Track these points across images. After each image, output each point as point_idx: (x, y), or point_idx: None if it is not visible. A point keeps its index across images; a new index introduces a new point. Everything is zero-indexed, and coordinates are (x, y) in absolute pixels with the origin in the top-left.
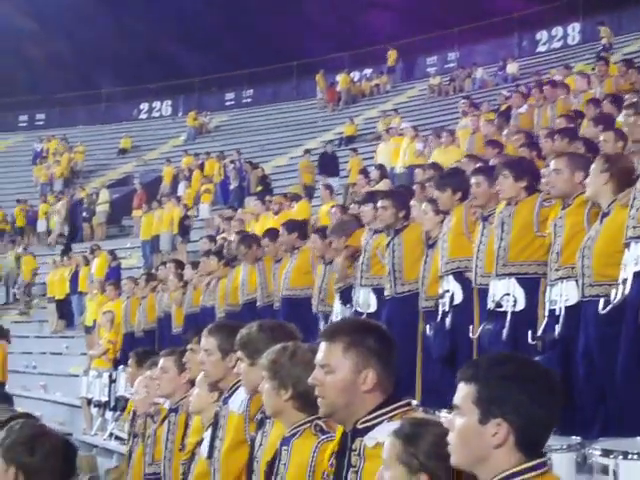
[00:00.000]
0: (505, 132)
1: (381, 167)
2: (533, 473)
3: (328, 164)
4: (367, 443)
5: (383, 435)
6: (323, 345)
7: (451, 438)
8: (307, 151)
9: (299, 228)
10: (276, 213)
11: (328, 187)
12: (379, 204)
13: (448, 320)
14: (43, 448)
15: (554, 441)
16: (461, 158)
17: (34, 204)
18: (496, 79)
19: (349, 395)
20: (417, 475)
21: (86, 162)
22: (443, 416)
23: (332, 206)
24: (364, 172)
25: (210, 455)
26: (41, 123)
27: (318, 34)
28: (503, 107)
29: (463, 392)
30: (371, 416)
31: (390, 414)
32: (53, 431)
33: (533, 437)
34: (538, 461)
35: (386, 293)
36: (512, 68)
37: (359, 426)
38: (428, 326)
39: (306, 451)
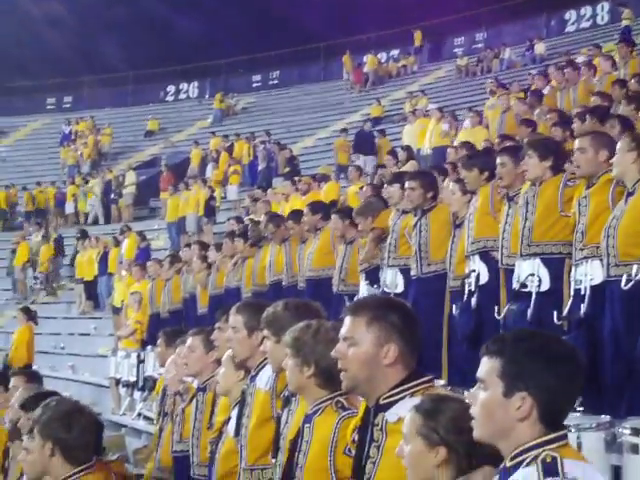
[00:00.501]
0: (537, 111)
1: (408, 148)
2: (553, 445)
3: (364, 143)
4: (389, 418)
5: (405, 410)
6: (347, 319)
7: (474, 412)
8: (343, 130)
9: (323, 209)
10: (304, 194)
11: (358, 168)
12: (407, 185)
13: (474, 300)
14: (79, 424)
15: (583, 420)
16: (490, 138)
17: (62, 186)
18: (524, 60)
19: (371, 369)
20: (436, 449)
21: (113, 144)
22: (468, 394)
23: (361, 187)
24: (392, 153)
25: (237, 433)
26: (68, 105)
27: (345, 15)
28: (533, 87)
29: (487, 366)
30: (393, 392)
31: (412, 390)
32: (87, 408)
33: (555, 411)
34: (558, 434)
35: (412, 273)
36: (540, 48)
37: (381, 402)
38: (454, 306)
39: (328, 428)
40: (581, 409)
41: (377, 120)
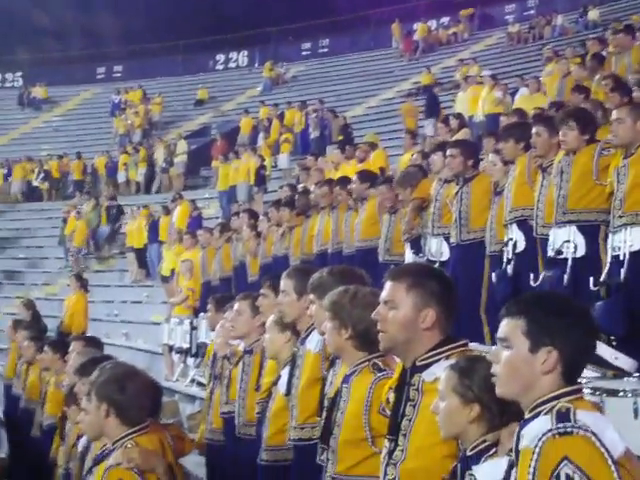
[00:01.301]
0: (597, 77)
1: (460, 116)
2: (570, 397)
3: (432, 106)
4: (425, 378)
5: (441, 371)
6: (388, 284)
7: (497, 370)
8: (410, 94)
9: (371, 178)
10: (361, 161)
11: (412, 135)
12: (448, 152)
13: (510, 267)
14: (133, 386)
15: (613, 385)
16: (546, 105)
17: (114, 155)
18: (576, 26)
19: (409, 332)
20: (470, 405)
21: (163, 113)
22: (485, 351)
23: (412, 154)
24: (445, 121)
25: (288, 392)
26: (119, 75)
27: None
28: (590, 52)
29: (511, 325)
30: (430, 354)
31: (448, 352)
32: (143, 372)
33: (575, 366)
34: (575, 387)
35: (451, 240)
36: (593, 15)
37: (418, 363)
38: (494, 273)
39: (364, 388)
40: (638, 374)
41: (427, 88)
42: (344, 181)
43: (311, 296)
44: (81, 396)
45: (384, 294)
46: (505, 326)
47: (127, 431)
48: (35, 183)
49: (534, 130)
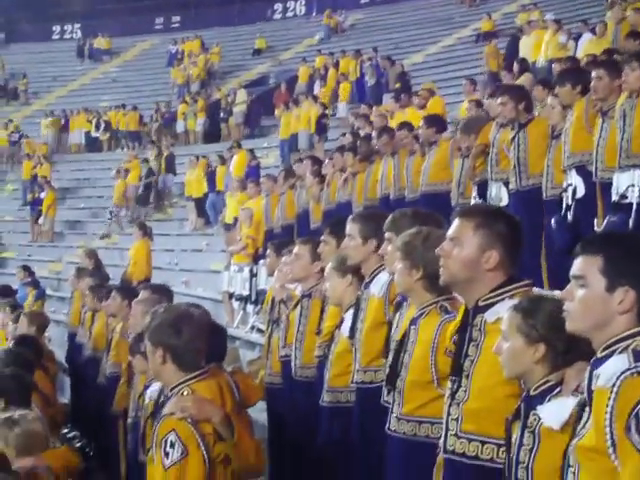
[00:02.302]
0: None
1: (522, 61)
2: None
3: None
4: (488, 318)
5: (503, 311)
6: (456, 221)
7: (570, 307)
8: (489, 35)
9: (438, 123)
10: (420, 108)
11: (472, 81)
12: (498, 100)
13: (570, 214)
14: (189, 330)
15: None
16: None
17: (172, 105)
18: None
19: (471, 271)
20: (535, 345)
21: (221, 63)
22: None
23: (470, 100)
24: (507, 66)
25: (352, 336)
26: (176, 25)
27: None
28: None
29: (587, 263)
30: (492, 294)
31: (511, 293)
32: (201, 314)
33: None
34: None
35: (510, 187)
36: None
37: (481, 303)
38: (552, 219)
39: (431, 329)
40: None
41: (487, 34)
42: (406, 126)
43: (387, 234)
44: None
45: (451, 231)
46: (581, 263)
47: (184, 377)
48: (94, 134)
49: (594, 74)
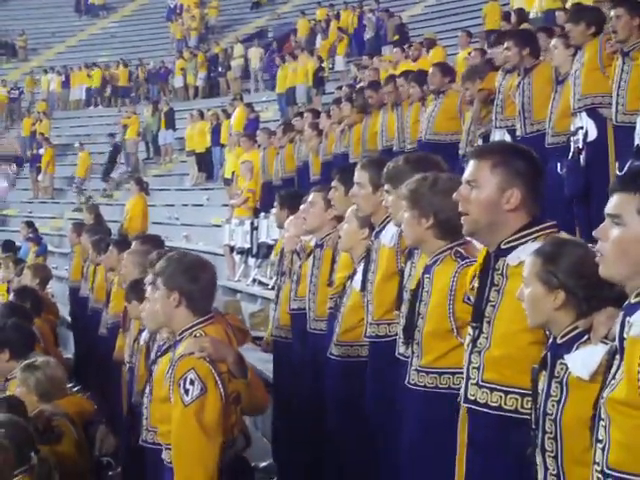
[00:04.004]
0: None
1: (520, 11)
2: None
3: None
4: (510, 262)
5: (527, 254)
6: (472, 162)
7: (604, 248)
8: None
9: (451, 72)
10: (414, 60)
11: (468, 34)
12: (504, 45)
13: (582, 157)
14: (205, 276)
15: None
16: None
17: (167, 60)
18: None
19: (492, 213)
20: (555, 292)
21: (220, 17)
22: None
23: (469, 52)
24: (505, 17)
25: (363, 288)
26: None
27: None
28: None
29: (624, 201)
30: (515, 236)
31: (535, 235)
32: (209, 263)
33: None
34: None
35: (517, 133)
36: None
37: (503, 246)
38: (559, 164)
39: (447, 276)
40: None
41: None
42: (407, 74)
43: (386, 186)
44: (147, 289)
45: (467, 173)
46: (617, 201)
47: (195, 321)
48: (93, 90)
49: (614, 13)
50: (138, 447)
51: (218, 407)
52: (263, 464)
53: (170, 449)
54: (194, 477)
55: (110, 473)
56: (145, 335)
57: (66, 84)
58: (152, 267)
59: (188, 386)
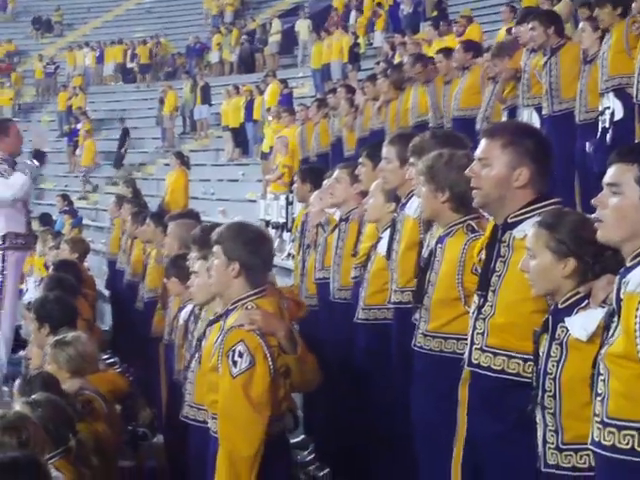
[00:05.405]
0: None
1: None
2: None
3: None
4: (516, 235)
5: (531, 227)
6: (483, 141)
7: (603, 215)
8: None
9: (475, 48)
10: (459, 35)
11: (512, 8)
12: (528, 25)
13: (609, 136)
14: (265, 249)
15: None
16: None
17: (202, 37)
18: None
19: (502, 189)
20: (565, 260)
21: None
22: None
23: (509, 27)
24: None
25: (388, 256)
26: None
27: None
28: None
29: (622, 171)
30: (521, 211)
31: (540, 210)
32: (268, 234)
33: None
34: None
35: (543, 112)
36: None
37: (510, 220)
38: (587, 143)
39: (457, 248)
40: None
41: None
42: (445, 51)
43: (411, 159)
44: (193, 265)
45: (479, 151)
46: (616, 171)
47: (249, 292)
48: (129, 65)
49: None
50: (179, 422)
51: (266, 381)
52: (296, 439)
53: (216, 419)
54: (239, 449)
55: (145, 443)
56: (184, 313)
57: (100, 59)
58: (195, 242)
59: (237, 358)
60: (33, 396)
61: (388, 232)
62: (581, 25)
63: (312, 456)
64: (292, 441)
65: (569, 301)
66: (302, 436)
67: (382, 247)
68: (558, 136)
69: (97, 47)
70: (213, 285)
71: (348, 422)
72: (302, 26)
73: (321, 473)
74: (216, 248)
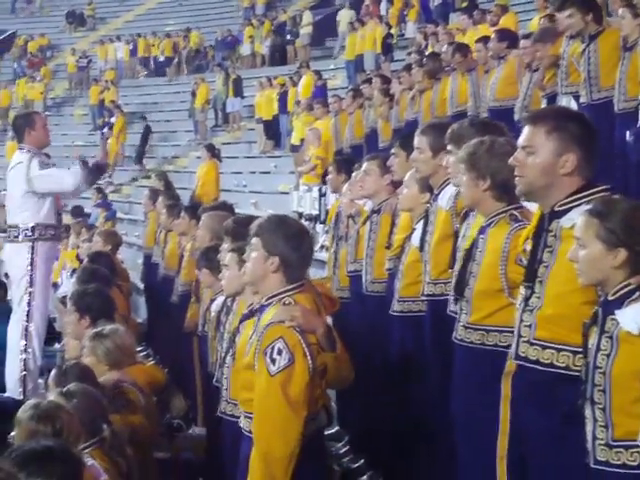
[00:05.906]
0: None
1: None
2: None
3: None
4: (564, 224)
5: (579, 216)
6: (527, 128)
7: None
8: None
9: (510, 37)
10: (493, 25)
11: None
12: (566, 13)
13: None
14: (305, 244)
15: None
16: None
17: (234, 29)
18: None
19: (548, 177)
20: (615, 250)
21: None
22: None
23: (542, 17)
24: None
25: (422, 248)
26: None
27: None
28: None
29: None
30: (569, 199)
31: (589, 197)
32: (308, 229)
33: None
34: None
35: (581, 100)
36: None
37: (557, 208)
38: (628, 132)
39: (501, 238)
40: None
41: None
42: (485, 40)
43: (449, 147)
44: (224, 257)
45: (522, 139)
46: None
47: (286, 287)
48: (161, 58)
49: None
50: (216, 416)
51: (305, 380)
52: (330, 431)
53: (250, 418)
54: (274, 450)
55: (180, 435)
56: (216, 305)
57: (134, 52)
58: (227, 234)
59: (275, 355)
60: (68, 386)
61: (421, 224)
62: (620, 12)
63: (346, 448)
64: (326, 432)
65: (619, 293)
66: (336, 428)
67: (415, 239)
68: (596, 124)
69: (131, 40)
70: (247, 276)
71: (383, 415)
72: (344, 16)
73: (355, 465)
74: (255, 240)
